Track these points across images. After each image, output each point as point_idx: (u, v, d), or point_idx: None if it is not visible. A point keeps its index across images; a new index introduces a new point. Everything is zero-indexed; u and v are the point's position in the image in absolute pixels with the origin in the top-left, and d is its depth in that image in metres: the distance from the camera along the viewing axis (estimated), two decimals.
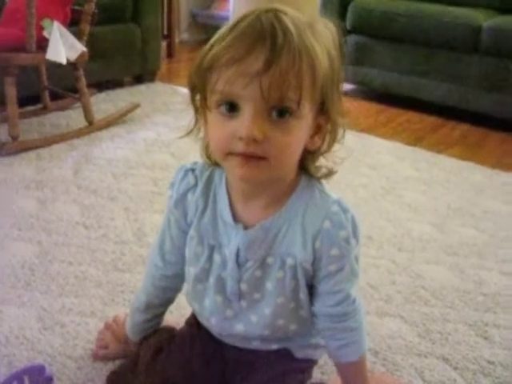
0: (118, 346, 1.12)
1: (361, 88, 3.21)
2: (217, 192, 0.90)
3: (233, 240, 0.88)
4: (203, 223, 0.90)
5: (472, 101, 2.74)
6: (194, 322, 1.06)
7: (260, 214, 0.87)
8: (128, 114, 2.53)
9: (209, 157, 0.89)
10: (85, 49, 2.22)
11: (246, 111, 0.73)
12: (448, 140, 2.57)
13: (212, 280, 0.92)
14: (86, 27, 2.26)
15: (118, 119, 2.47)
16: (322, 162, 0.89)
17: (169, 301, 1.08)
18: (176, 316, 1.20)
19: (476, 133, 2.68)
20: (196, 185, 0.91)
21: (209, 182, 0.90)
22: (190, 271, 0.95)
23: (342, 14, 3.03)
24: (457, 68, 2.76)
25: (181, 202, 0.92)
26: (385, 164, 2.23)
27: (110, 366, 1.10)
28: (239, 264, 0.89)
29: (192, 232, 0.92)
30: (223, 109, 0.76)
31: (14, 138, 2.10)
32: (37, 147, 2.15)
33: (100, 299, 1.31)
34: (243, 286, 0.90)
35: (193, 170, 0.92)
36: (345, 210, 0.85)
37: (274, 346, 0.98)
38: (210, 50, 0.76)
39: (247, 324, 0.93)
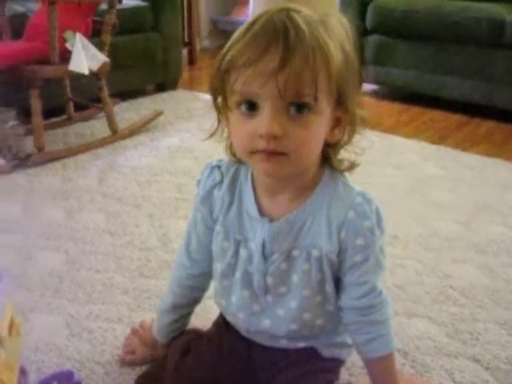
0: (146, 350, 1.13)
1: (383, 88, 3.19)
2: (242, 188, 0.91)
3: (258, 233, 0.89)
4: (229, 218, 0.92)
5: (497, 97, 2.70)
6: (221, 322, 1.07)
7: (285, 207, 0.88)
8: (151, 121, 2.55)
9: (233, 154, 0.91)
10: (107, 59, 2.25)
11: (265, 109, 0.75)
12: (473, 138, 2.53)
13: (238, 275, 0.93)
14: (108, 38, 2.29)
15: (141, 127, 2.50)
16: (344, 155, 0.89)
17: (196, 300, 1.09)
18: (202, 319, 1.20)
19: (502, 130, 2.63)
20: (222, 181, 0.92)
21: (234, 178, 0.92)
22: (217, 267, 0.96)
23: (362, 14, 3.01)
24: (481, 64, 2.72)
25: (207, 198, 0.94)
26: (409, 163, 2.20)
27: (138, 371, 1.10)
28: (265, 257, 0.90)
29: (218, 227, 0.93)
30: (243, 108, 0.78)
31: (40, 149, 2.14)
32: (62, 157, 2.18)
33: (126, 305, 1.32)
34: (269, 280, 0.91)
35: (219, 167, 0.94)
36: (369, 201, 0.87)
37: (301, 345, 0.98)
38: (227, 52, 0.78)
39: (274, 318, 0.94)
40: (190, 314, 1.11)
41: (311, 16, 0.77)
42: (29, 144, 2.18)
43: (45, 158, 2.14)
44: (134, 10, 2.83)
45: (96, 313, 1.29)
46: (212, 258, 0.98)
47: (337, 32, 0.79)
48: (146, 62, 2.94)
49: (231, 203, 0.92)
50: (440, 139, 2.50)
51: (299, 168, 0.82)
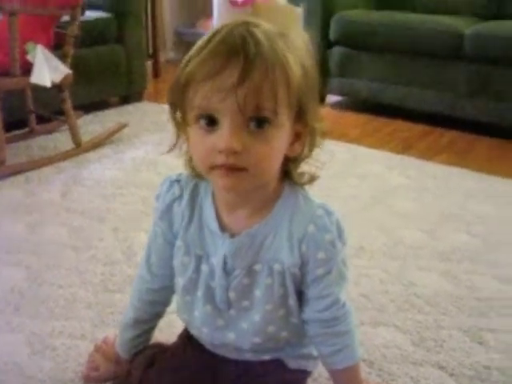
0: (109, 367, 1.11)
1: (347, 99, 3.23)
2: (203, 203, 0.90)
3: (219, 249, 0.88)
4: (190, 233, 0.91)
5: (458, 107, 2.75)
6: (185, 335, 1.06)
7: (246, 222, 0.87)
8: (115, 134, 2.52)
9: (193, 169, 0.90)
10: (69, 71, 2.23)
11: (225, 124, 0.74)
12: (436, 147, 2.58)
13: (201, 290, 0.92)
14: (70, 49, 2.27)
15: (105, 140, 2.47)
16: (304, 168, 0.89)
17: (158, 315, 1.08)
18: (166, 334, 1.18)
19: (464, 139, 2.68)
20: (181, 195, 0.92)
21: (194, 192, 0.91)
22: (179, 282, 0.95)
23: (326, 27, 3.05)
24: (442, 75, 2.77)
25: (166, 213, 0.93)
26: (374, 173, 2.23)
27: None
28: (227, 272, 0.89)
29: (179, 242, 0.92)
30: (202, 123, 0.77)
31: (2, 163, 2.10)
32: (25, 171, 2.14)
33: (90, 321, 1.29)
34: (231, 295, 0.90)
35: (178, 181, 0.93)
36: (329, 214, 0.87)
37: (266, 357, 0.97)
38: (186, 65, 0.77)
39: (238, 332, 0.93)
40: (152, 328, 1.09)
41: (271, 30, 0.77)
42: None
43: (7, 171, 2.10)
44: (97, 22, 2.81)
45: (59, 329, 1.26)
46: (173, 273, 0.97)
47: (296, 46, 0.78)
48: (110, 74, 2.92)
49: (191, 218, 0.91)
50: (404, 149, 2.53)
51: (259, 183, 0.81)
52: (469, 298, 1.42)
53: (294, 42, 0.79)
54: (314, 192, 0.91)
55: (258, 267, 0.88)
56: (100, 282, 1.45)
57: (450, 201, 1.99)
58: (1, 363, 1.15)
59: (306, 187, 0.90)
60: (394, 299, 1.40)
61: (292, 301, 0.90)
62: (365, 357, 1.18)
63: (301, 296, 0.91)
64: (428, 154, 2.46)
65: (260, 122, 0.75)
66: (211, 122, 0.76)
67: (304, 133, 0.82)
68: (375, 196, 2.02)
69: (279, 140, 0.78)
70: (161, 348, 1.08)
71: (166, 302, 1.06)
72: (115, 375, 1.10)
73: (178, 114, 0.81)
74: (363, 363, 1.13)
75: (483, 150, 2.56)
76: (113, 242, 1.65)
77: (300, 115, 0.79)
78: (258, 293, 0.89)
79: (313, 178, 0.89)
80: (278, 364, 0.99)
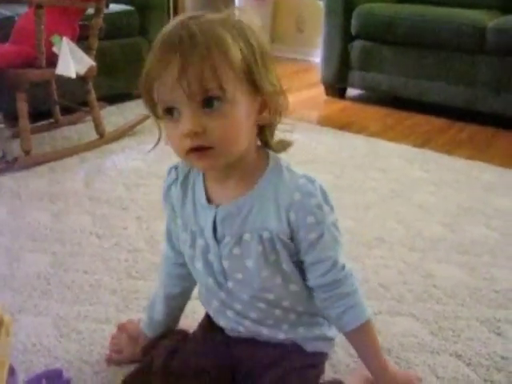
0: (133, 349, 1.14)
1: (368, 93, 3.23)
2: (195, 182, 0.97)
3: (208, 219, 0.94)
4: (185, 211, 0.98)
5: (479, 101, 2.75)
6: (206, 323, 1.10)
7: (232, 193, 0.93)
8: (138, 125, 2.56)
9: None
10: (93, 63, 2.26)
11: (184, 112, 0.82)
12: (456, 141, 2.58)
13: (200, 265, 0.98)
14: (95, 41, 2.31)
15: (128, 131, 2.51)
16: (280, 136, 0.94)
17: (186, 290, 1.13)
18: (190, 320, 1.21)
19: (484, 133, 2.68)
20: (177, 178, 0.99)
21: (188, 174, 0.99)
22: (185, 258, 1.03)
23: (347, 20, 3.05)
24: (463, 69, 2.76)
25: (167, 195, 1.01)
26: (394, 167, 2.24)
27: (126, 370, 1.11)
28: (218, 240, 0.94)
29: (178, 221, 1.00)
30: (167, 116, 0.84)
31: (27, 153, 2.14)
32: (49, 161, 2.19)
33: (114, 306, 1.33)
34: (225, 264, 0.95)
35: (176, 168, 1.01)
36: (312, 181, 0.91)
37: (281, 336, 1.01)
38: (145, 66, 0.85)
39: (242, 302, 0.98)
40: (181, 307, 1.15)
41: (211, 18, 0.84)
42: (16, 147, 2.18)
43: (32, 161, 2.15)
44: (120, 15, 2.85)
45: (84, 313, 1.30)
46: None
47: (238, 26, 0.84)
48: (133, 66, 2.94)
49: (185, 197, 0.98)
50: (424, 143, 2.54)
51: (231, 157, 0.86)
52: (487, 289, 1.43)
53: (235, 23, 0.84)
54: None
55: (247, 236, 0.92)
56: (124, 269, 1.48)
57: (469, 194, 1.99)
58: (29, 344, 1.19)
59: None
60: (413, 289, 1.42)
61: (287, 267, 0.94)
62: (383, 345, 1.19)
63: (301, 266, 0.95)
64: (448, 148, 2.46)
65: (209, 101, 0.81)
66: (173, 112, 0.83)
67: (267, 100, 0.87)
68: (395, 189, 2.02)
69: (236, 113, 0.83)
70: (183, 336, 1.11)
71: (192, 278, 1.09)
72: (138, 358, 1.14)
73: (151, 109, 0.88)
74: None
75: (503, 144, 2.55)
76: (136, 230, 1.69)
77: (255, 85, 0.84)
78: (250, 263, 0.93)
79: (288, 144, 0.94)
80: (297, 348, 1.02)
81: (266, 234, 0.91)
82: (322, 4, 3.25)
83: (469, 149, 2.47)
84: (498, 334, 1.26)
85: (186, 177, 0.99)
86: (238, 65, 0.81)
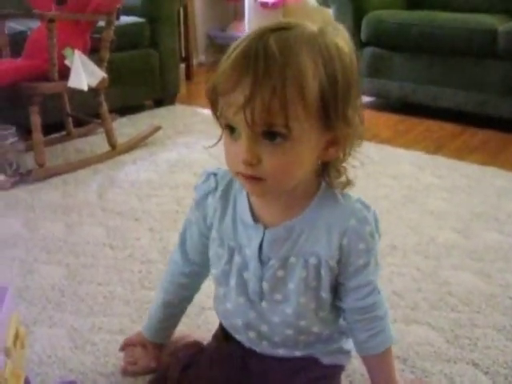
0: (148, 360, 1.14)
1: (379, 100, 3.22)
2: (237, 196, 0.94)
3: (254, 239, 0.91)
4: (224, 226, 0.94)
5: (491, 106, 2.73)
6: (220, 335, 1.09)
7: (280, 215, 0.90)
8: (149, 136, 2.57)
9: None
10: (105, 75, 2.28)
11: (243, 136, 0.78)
12: (469, 146, 2.56)
13: (233, 282, 0.95)
14: (106, 54, 2.32)
15: (139, 142, 2.52)
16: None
17: (186, 300, 1.12)
18: (203, 331, 1.21)
19: (497, 138, 2.66)
20: (216, 188, 0.95)
21: (228, 186, 0.95)
22: (214, 273, 0.99)
23: (357, 27, 3.05)
24: (474, 74, 2.75)
25: (201, 203, 0.98)
26: (406, 173, 2.23)
27: (141, 382, 1.12)
28: (262, 261, 0.92)
29: (214, 234, 0.96)
30: (227, 131, 0.81)
31: (41, 165, 2.16)
32: (62, 173, 2.21)
33: (128, 317, 1.33)
34: (265, 286, 0.93)
35: (215, 175, 0.97)
36: (367, 207, 0.90)
37: (298, 354, 1.00)
38: (212, 77, 0.80)
39: (270, 325, 0.96)
40: (179, 314, 1.14)
41: (297, 34, 0.76)
42: (29, 160, 2.20)
43: (45, 173, 2.16)
44: (131, 27, 2.87)
45: (98, 325, 1.30)
46: (203, 262, 1.02)
47: (326, 50, 0.77)
48: (144, 78, 2.98)
49: (225, 211, 0.94)
50: (436, 149, 2.52)
51: (281, 190, 0.84)
52: (503, 296, 1.41)
53: (323, 44, 0.77)
54: (347, 191, 0.92)
55: (293, 260, 0.90)
56: (137, 280, 1.49)
57: (482, 200, 1.98)
58: (44, 356, 1.20)
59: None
60: (427, 297, 1.41)
61: (324, 293, 0.92)
62: (398, 354, 1.19)
63: (337, 289, 0.94)
64: (460, 154, 2.45)
65: (271, 136, 0.76)
66: (233, 131, 0.79)
67: (338, 138, 0.81)
68: (407, 195, 2.02)
69: (296, 152, 0.78)
70: (198, 348, 1.10)
71: (195, 288, 1.11)
72: (153, 369, 1.14)
73: (214, 114, 0.84)
74: (396, 359, 1.14)
75: None
76: (149, 241, 1.69)
77: (328, 122, 0.78)
78: (291, 286, 0.91)
79: (348, 183, 0.89)
80: (312, 360, 1.01)
81: (312, 260, 0.89)
82: (331, 12, 3.26)
83: (481, 154, 2.46)
84: None
85: (227, 189, 0.94)
86: (313, 102, 0.75)
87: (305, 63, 0.74)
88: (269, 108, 0.73)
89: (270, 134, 0.76)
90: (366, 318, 0.95)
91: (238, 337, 1.03)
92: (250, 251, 0.92)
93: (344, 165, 0.88)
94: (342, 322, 1.01)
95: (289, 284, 0.92)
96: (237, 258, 0.94)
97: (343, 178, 0.89)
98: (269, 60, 0.73)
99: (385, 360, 0.98)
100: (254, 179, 0.79)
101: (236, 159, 0.79)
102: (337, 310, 0.98)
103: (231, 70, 0.76)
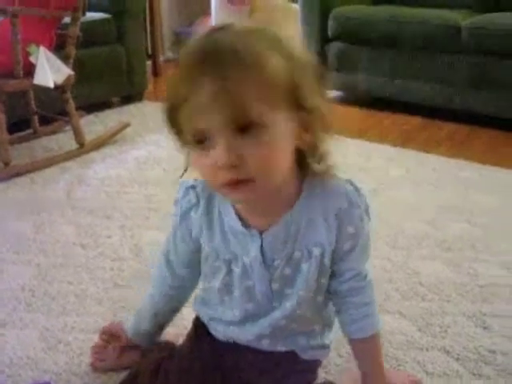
0: (116, 357, 1.14)
1: (346, 94, 3.25)
2: (221, 208, 0.90)
3: (251, 246, 0.89)
4: (215, 241, 0.91)
5: (457, 100, 2.78)
6: (193, 335, 1.06)
7: (271, 216, 0.87)
8: (118, 133, 2.55)
9: None
10: (71, 72, 2.25)
11: (217, 140, 0.73)
12: (435, 139, 2.60)
13: (238, 291, 0.93)
14: (72, 50, 2.29)
15: (108, 139, 2.49)
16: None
17: (174, 310, 1.11)
18: (180, 328, 1.21)
19: (463, 131, 2.71)
20: (198, 203, 0.91)
21: (211, 199, 0.91)
22: (214, 285, 0.95)
23: (323, 23, 3.07)
24: (440, 68, 2.80)
25: (184, 219, 0.94)
26: (374, 166, 2.25)
27: (116, 380, 1.11)
28: (267, 264, 0.90)
29: (207, 249, 0.93)
30: (196, 144, 0.76)
31: (6, 164, 2.12)
32: (29, 172, 2.17)
33: (101, 316, 1.32)
34: (274, 286, 0.91)
35: (194, 188, 0.92)
36: (357, 189, 0.89)
37: (281, 348, 0.99)
38: (169, 89, 0.77)
39: (271, 319, 0.95)
40: (167, 321, 1.12)
41: (244, 29, 0.75)
42: None
43: (11, 172, 2.12)
44: (97, 23, 2.83)
45: (71, 324, 1.29)
46: (192, 275, 1.01)
47: (277, 37, 0.76)
48: (111, 74, 2.94)
49: (211, 227, 0.91)
50: (403, 142, 2.56)
51: (270, 188, 0.79)
52: (472, 284, 1.44)
53: (275, 33, 0.76)
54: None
55: (297, 254, 0.89)
56: (109, 277, 1.47)
57: (450, 192, 2.02)
58: (16, 358, 1.18)
59: None
60: (398, 287, 1.43)
61: (324, 279, 0.92)
62: None
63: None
64: (427, 147, 2.49)
65: (247, 128, 0.73)
66: (203, 141, 0.75)
67: (310, 120, 0.78)
68: (376, 188, 2.04)
69: (276, 138, 0.75)
70: (170, 350, 1.09)
71: (184, 299, 1.09)
72: (121, 365, 1.13)
73: (175, 136, 0.80)
74: None
75: (482, 141, 2.58)
76: (120, 238, 1.68)
77: (299, 104, 0.76)
78: (299, 280, 0.91)
79: (330, 168, 0.86)
80: (291, 356, 1.00)
81: (315, 251, 0.88)
82: (298, 8, 3.27)
83: (448, 147, 2.50)
84: (485, 328, 1.28)
85: (209, 203, 0.90)
86: (279, 85, 0.73)
87: (258, 47, 0.73)
88: (236, 100, 0.70)
89: (245, 128, 0.72)
90: (350, 300, 0.94)
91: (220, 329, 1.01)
92: (249, 258, 0.89)
93: (322, 152, 0.85)
94: (327, 312, 1.00)
95: (297, 278, 0.90)
96: (236, 269, 0.91)
97: (324, 165, 0.86)
98: (225, 53, 0.71)
99: (372, 345, 0.98)
100: (241, 183, 0.75)
101: (214, 171, 0.75)
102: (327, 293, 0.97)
103: (187, 74, 0.73)
